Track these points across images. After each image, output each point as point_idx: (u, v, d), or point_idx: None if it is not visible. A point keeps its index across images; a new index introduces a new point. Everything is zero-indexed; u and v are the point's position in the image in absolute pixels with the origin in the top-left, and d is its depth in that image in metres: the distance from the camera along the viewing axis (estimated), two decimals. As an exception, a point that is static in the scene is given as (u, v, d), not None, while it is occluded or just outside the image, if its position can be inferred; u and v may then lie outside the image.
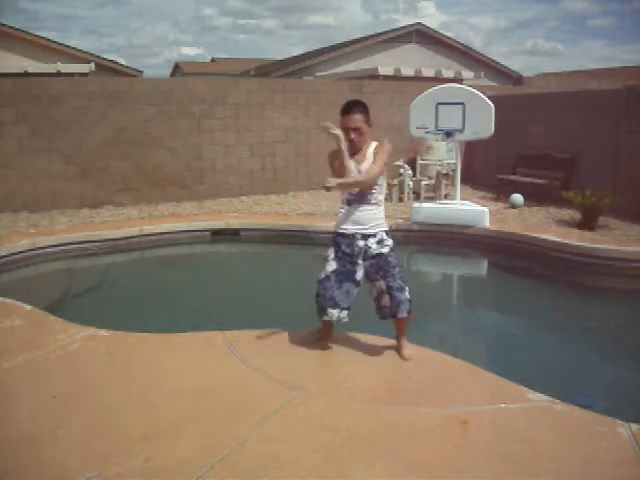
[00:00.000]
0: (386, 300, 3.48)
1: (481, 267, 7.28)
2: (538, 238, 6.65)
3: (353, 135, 3.40)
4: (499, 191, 9.55)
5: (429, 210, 7.51)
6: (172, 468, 2.47)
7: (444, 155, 10.19)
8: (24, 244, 6.55)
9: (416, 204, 7.75)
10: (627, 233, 6.98)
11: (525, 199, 8.77)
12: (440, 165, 9.90)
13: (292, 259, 7.28)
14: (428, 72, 14.98)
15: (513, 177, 9.66)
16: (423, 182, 9.77)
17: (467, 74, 15.63)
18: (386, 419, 2.86)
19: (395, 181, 9.57)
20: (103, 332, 3.98)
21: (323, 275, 3.54)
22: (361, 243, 3.50)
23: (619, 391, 3.73)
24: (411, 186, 9.66)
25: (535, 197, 8.96)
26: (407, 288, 3.54)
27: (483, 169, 10.96)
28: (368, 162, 3.45)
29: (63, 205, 8.75)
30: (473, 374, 3.37)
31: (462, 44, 19.86)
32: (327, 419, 2.86)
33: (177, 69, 32.77)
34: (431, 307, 5.56)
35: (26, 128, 8.51)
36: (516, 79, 19.46)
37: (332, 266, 3.52)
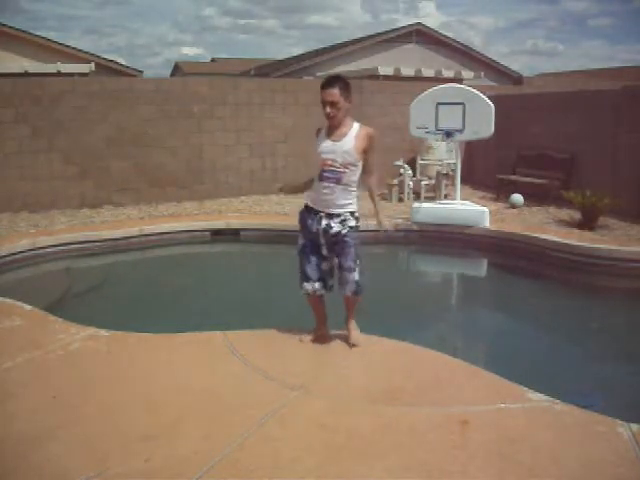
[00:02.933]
0: (339, 276, 3.67)
1: (481, 267, 7.28)
2: (538, 238, 6.65)
3: (330, 109, 3.41)
4: (499, 191, 9.55)
5: (429, 210, 7.50)
6: (172, 468, 2.47)
7: (444, 155, 10.19)
8: (24, 244, 6.56)
9: (416, 204, 7.75)
10: (627, 233, 6.98)
11: (525, 199, 8.77)
12: (440, 165, 9.90)
13: (292, 259, 7.26)
14: (428, 72, 14.99)
15: (513, 177, 9.65)
16: (423, 182, 9.77)
17: (467, 74, 15.63)
18: (386, 419, 2.86)
19: (395, 181, 9.57)
20: (103, 332, 3.98)
21: (297, 250, 3.73)
22: (324, 222, 3.57)
23: (619, 391, 3.73)
24: (411, 186, 9.66)
25: (535, 197, 8.96)
26: (358, 270, 3.61)
27: (483, 169, 10.95)
28: (349, 144, 3.45)
29: (63, 205, 8.75)
30: (473, 374, 3.37)
31: (462, 44, 19.86)
32: (327, 419, 2.86)
33: (177, 69, 32.74)
34: (431, 307, 5.57)
35: (26, 128, 8.51)
36: (516, 79, 19.48)
37: (301, 240, 3.70)
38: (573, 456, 2.55)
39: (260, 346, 3.73)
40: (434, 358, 3.60)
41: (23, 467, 2.51)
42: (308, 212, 3.67)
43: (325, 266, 3.68)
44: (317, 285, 3.65)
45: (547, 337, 4.80)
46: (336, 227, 3.54)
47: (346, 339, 3.78)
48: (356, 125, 3.52)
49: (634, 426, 2.72)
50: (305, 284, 3.67)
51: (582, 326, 4.94)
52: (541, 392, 3.07)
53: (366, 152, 3.52)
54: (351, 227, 3.57)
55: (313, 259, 3.64)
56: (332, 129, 3.50)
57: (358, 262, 3.61)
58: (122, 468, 2.47)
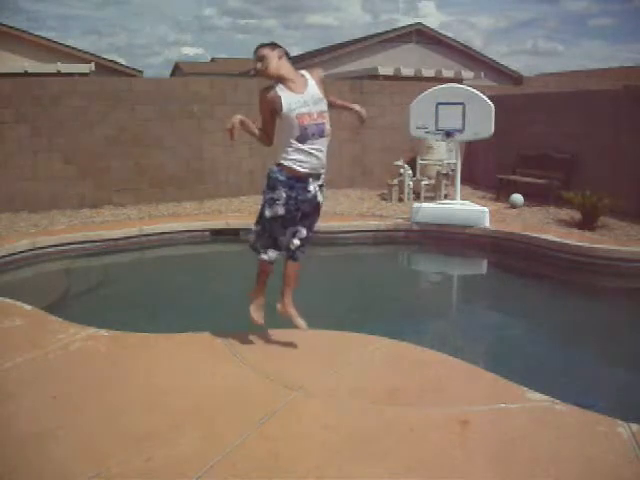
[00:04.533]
0: (295, 244, 3.53)
1: (481, 267, 7.28)
2: (538, 238, 6.65)
3: (259, 64, 3.31)
4: (499, 191, 9.55)
5: (429, 210, 7.50)
6: (172, 468, 2.47)
7: (444, 155, 10.19)
8: (24, 244, 6.55)
9: (416, 204, 7.75)
10: (627, 233, 6.98)
11: (525, 199, 8.77)
12: (440, 165, 9.90)
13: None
14: (428, 72, 14.98)
15: (513, 177, 9.66)
16: (423, 182, 9.77)
17: (467, 74, 15.63)
18: (386, 419, 2.86)
19: (395, 181, 9.57)
20: (103, 332, 3.97)
21: (270, 215, 3.43)
22: (312, 187, 3.41)
23: (619, 391, 3.73)
24: (411, 186, 9.66)
25: (535, 197, 8.96)
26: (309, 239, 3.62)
27: (483, 169, 10.95)
28: (314, 90, 3.32)
29: (63, 205, 8.75)
30: (473, 374, 3.37)
31: (462, 44, 19.85)
32: (327, 419, 2.86)
33: (177, 69, 32.76)
34: (431, 307, 5.57)
35: (26, 128, 8.51)
36: (516, 79, 19.47)
37: (281, 210, 3.40)
38: (573, 456, 2.55)
39: (260, 346, 3.73)
40: (434, 358, 3.59)
41: (23, 467, 2.51)
42: (296, 180, 3.37)
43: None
44: (279, 254, 3.56)
45: (547, 337, 4.80)
46: (319, 196, 3.46)
47: (346, 340, 3.78)
48: (305, 72, 3.39)
49: (634, 426, 2.72)
50: (270, 252, 3.53)
51: (582, 326, 4.94)
52: (540, 392, 3.07)
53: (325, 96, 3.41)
54: (323, 193, 3.51)
55: (290, 229, 3.48)
56: (285, 82, 3.31)
57: None
58: (122, 468, 2.47)
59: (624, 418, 2.79)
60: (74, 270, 6.44)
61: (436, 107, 7.36)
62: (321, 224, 7.42)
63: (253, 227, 3.61)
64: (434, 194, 9.52)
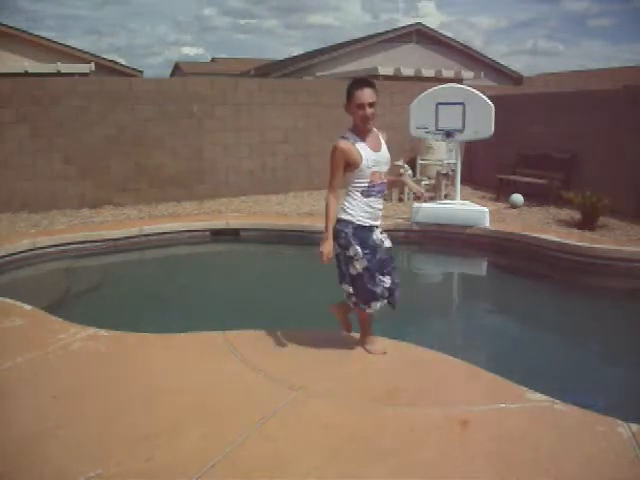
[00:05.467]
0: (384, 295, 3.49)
1: (481, 267, 7.28)
2: (538, 238, 6.66)
3: (369, 110, 3.19)
4: (499, 191, 9.55)
5: (429, 210, 7.51)
6: (173, 468, 2.47)
7: (444, 155, 10.19)
8: (24, 244, 6.56)
9: (416, 204, 7.75)
10: (627, 233, 6.98)
11: (525, 199, 8.77)
12: (440, 165, 9.91)
13: (292, 259, 7.28)
14: (428, 72, 14.99)
15: (513, 177, 9.66)
16: (423, 182, 9.77)
17: (467, 74, 15.64)
18: (386, 419, 2.86)
19: (395, 181, 9.56)
20: (103, 332, 3.97)
21: (356, 273, 3.38)
22: (375, 236, 3.43)
23: (619, 391, 3.73)
24: (411, 186, 9.65)
25: (535, 197, 8.96)
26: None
27: (483, 169, 10.95)
28: (386, 152, 3.37)
29: (63, 205, 8.75)
30: (473, 374, 3.37)
31: (462, 44, 19.86)
32: (327, 419, 2.86)
33: (177, 69, 32.74)
34: (431, 307, 5.57)
35: (26, 128, 8.52)
36: (516, 79, 19.49)
37: (364, 264, 3.35)
38: (573, 456, 2.55)
39: (260, 346, 3.73)
40: (434, 358, 3.60)
41: (23, 467, 2.51)
42: (362, 229, 3.38)
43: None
44: (382, 302, 3.47)
45: (547, 337, 4.80)
46: (386, 242, 3.49)
47: (346, 340, 3.78)
48: (375, 130, 3.39)
49: (634, 426, 2.72)
50: (373, 304, 3.44)
51: (582, 326, 4.94)
52: (541, 392, 3.08)
53: None
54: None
55: (378, 279, 3.41)
56: (364, 135, 3.29)
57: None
58: (122, 468, 2.47)
59: (624, 418, 2.80)
60: (74, 270, 6.44)
61: (436, 107, 7.37)
62: (321, 224, 7.48)
63: (344, 288, 3.49)
64: (434, 194, 9.52)
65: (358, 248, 3.34)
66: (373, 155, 3.30)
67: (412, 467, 2.48)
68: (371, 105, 3.19)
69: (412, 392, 3.17)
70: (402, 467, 2.48)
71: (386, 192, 3.55)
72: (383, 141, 3.40)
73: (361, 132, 3.29)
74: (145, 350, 3.76)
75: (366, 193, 3.35)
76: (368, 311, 3.51)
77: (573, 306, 5.48)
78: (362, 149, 3.27)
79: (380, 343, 3.67)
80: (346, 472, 2.45)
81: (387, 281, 3.44)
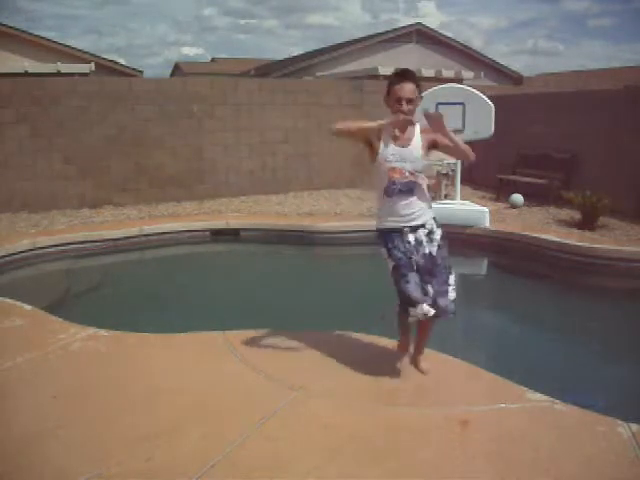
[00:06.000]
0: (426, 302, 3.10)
1: (481, 267, 7.28)
2: (538, 238, 6.66)
3: (407, 107, 2.97)
4: (499, 191, 9.55)
5: (429, 210, 7.49)
6: (172, 468, 2.47)
7: (444, 155, 10.17)
8: (24, 244, 6.56)
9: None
10: (627, 233, 6.98)
11: (525, 199, 8.77)
12: (440, 165, 9.89)
13: (292, 259, 7.28)
14: (428, 72, 14.98)
15: (513, 177, 9.66)
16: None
17: (467, 74, 15.64)
18: (386, 419, 2.86)
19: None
20: (103, 332, 3.98)
21: (390, 271, 3.19)
22: (411, 238, 3.16)
23: (619, 391, 3.73)
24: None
25: (535, 197, 8.95)
26: (451, 290, 3.19)
27: (483, 169, 10.93)
28: (417, 148, 3.08)
29: (63, 205, 8.75)
30: (473, 374, 3.37)
31: (462, 44, 19.86)
32: (327, 419, 2.86)
33: (177, 69, 32.72)
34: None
35: (26, 128, 8.51)
36: (516, 79, 19.49)
37: (391, 263, 3.16)
38: (573, 456, 2.55)
39: (260, 346, 3.73)
40: (434, 358, 3.59)
41: (23, 467, 2.51)
42: (388, 233, 3.20)
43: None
44: (426, 306, 3.05)
45: (547, 337, 4.80)
46: (428, 244, 3.18)
47: (346, 340, 3.78)
48: (417, 125, 3.12)
49: (634, 426, 2.72)
50: (411, 311, 3.08)
51: (582, 326, 4.93)
52: (541, 392, 3.08)
53: (436, 144, 3.11)
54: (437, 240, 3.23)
55: (415, 284, 3.08)
56: (400, 131, 3.06)
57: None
58: (122, 468, 2.47)
59: (624, 418, 2.79)
60: (74, 270, 6.44)
61: (436, 107, 7.35)
62: (321, 224, 7.51)
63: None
64: (434, 194, 9.51)
65: (383, 249, 3.22)
66: (394, 150, 3.09)
67: (412, 467, 2.48)
68: (409, 101, 2.99)
69: (412, 392, 3.18)
70: (402, 467, 2.48)
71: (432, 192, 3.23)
72: (417, 138, 3.10)
73: (395, 126, 3.06)
74: (145, 350, 3.76)
75: (389, 192, 3.13)
76: (410, 318, 3.16)
77: (573, 306, 5.48)
78: (385, 142, 3.10)
79: (425, 361, 3.40)
80: (346, 472, 2.45)
81: (428, 289, 3.09)
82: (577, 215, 7.62)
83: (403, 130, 3.08)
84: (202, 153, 9.75)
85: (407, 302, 3.08)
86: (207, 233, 7.64)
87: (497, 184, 9.69)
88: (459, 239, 7.22)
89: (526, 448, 2.61)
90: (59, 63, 14.07)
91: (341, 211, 8.48)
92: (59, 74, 13.02)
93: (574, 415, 2.88)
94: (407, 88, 2.98)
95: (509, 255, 6.85)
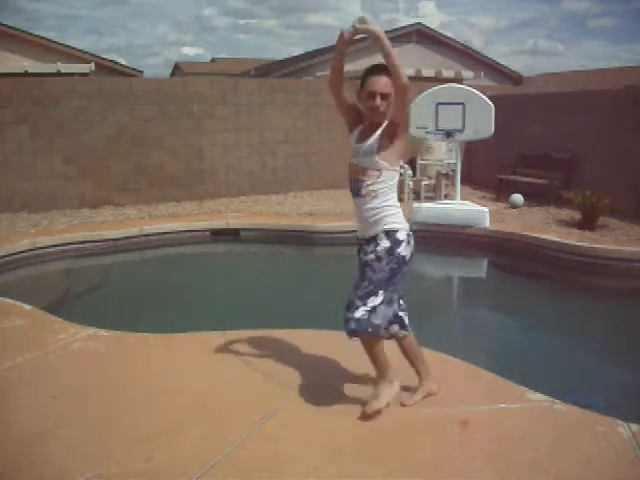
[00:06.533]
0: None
1: (481, 267, 7.28)
2: (538, 238, 6.65)
3: (379, 102, 2.65)
4: (499, 191, 9.55)
5: (429, 210, 7.51)
6: (173, 468, 2.47)
7: (444, 155, 10.18)
8: (24, 244, 6.56)
9: (416, 204, 7.76)
10: (627, 233, 6.98)
11: (525, 199, 8.77)
12: (440, 165, 9.90)
13: (292, 259, 7.28)
14: (428, 72, 14.97)
15: (513, 177, 9.66)
16: (423, 182, 9.77)
17: (467, 74, 15.62)
18: (386, 419, 2.86)
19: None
20: (103, 332, 3.98)
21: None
22: (369, 248, 2.84)
23: (619, 391, 3.73)
24: (411, 186, 9.65)
25: (535, 197, 8.96)
26: (361, 307, 2.76)
27: (483, 169, 10.95)
28: (372, 143, 2.72)
29: (63, 205, 8.75)
30: (473, 374, 3.37)
31: (462, 44, 19.85)
32: (327, 419, 2.86)
33: (177, 69, 32.73)
34: (431, 307, 5.56)
35: (26, 128, 8.51)
36: (516, 79, 19.49)
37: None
38: (573, 456, 2.55)
39: (260, 346, 3.73)
40: (434, 358, 3.58)
41: (23, 467, 2.51)
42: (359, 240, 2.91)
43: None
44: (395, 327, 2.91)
45: (547, 337, 4.80)
46: (371, 256, 2.80)
47: (347, 340, 3.78)
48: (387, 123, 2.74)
49: (634, 426, 2.72)
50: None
51: (582, 326, 4.93)
52: (541, 392, 3.08)
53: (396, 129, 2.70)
54: (376, 252, 2.78)
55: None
56: (366, 127, 2.76)
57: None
58: (122, 468, 2.47)
59: (624, 418, 2.79)
60: (74, 270, 6.44)
61: (436, 107, 7.37)
62: (321, 224, 7.51)
63: None
64: (434, 194, 9.52)
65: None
66: (354, 145, 2.80)
67: (412, 467, 2.48)
68: (384, 97, 2.66)
69: (412, 392, 3.17)
70: (402, 467, 2.48)
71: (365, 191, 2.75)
72: (381, 130, 2.72)
73: (367, 120, 2.78)
74: (145, 350, 3.76)
75: (351, 192, 2.84)
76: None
77: (573, 306, 5.48)
78: (357, 129, 2.83)
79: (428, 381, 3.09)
80: (346, 472, 2.45)
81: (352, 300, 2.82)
82: (577, 215, 7.62)
83: (369, 127, 2.77)
84: (202, 153, 9.76)
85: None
86: (207, 233, 7.64)
87: (497, 184, 9.70)
88: (459, 239, 7.23)
89: (526, 448, 2.61)
90: (59, 63, 14.06)
91: (341, 211, 8.48)
92: (59, 74, 13.01)
93: (574, 415, 2.88)
94: (382, 81, 2.66)
95: (509, 255, 6.85)
